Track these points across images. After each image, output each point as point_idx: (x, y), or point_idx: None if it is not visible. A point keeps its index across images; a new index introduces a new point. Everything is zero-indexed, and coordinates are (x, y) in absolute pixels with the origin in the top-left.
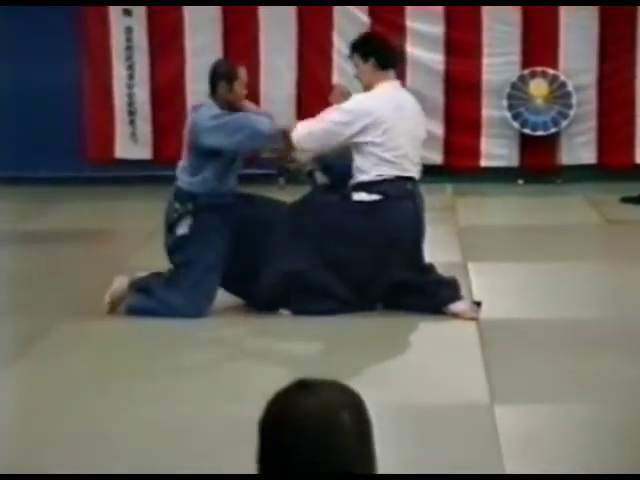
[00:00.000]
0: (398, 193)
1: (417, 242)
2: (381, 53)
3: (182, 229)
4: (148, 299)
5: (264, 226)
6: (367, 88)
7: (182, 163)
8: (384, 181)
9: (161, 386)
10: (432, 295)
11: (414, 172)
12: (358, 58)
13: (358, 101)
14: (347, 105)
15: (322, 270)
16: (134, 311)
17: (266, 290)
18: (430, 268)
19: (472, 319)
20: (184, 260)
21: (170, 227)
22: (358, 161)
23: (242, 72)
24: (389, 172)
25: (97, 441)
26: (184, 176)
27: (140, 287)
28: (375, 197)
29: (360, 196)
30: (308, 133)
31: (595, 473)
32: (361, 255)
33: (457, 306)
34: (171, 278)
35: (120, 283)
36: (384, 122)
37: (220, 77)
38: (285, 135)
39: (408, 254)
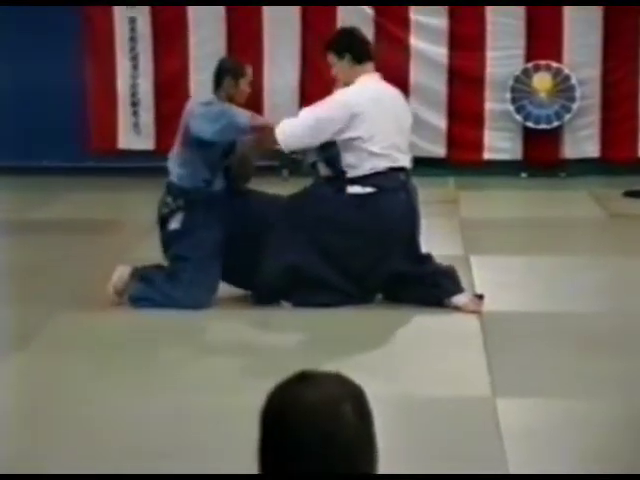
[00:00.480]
0: (392, 185)
1: (412, 233)
2: (355, 47)
3: (174, 224)
4: (149, 289)
5: (261, 219)
6: (347, 84)
7: (173, 153)
8: (377, 174)
9: (160, 378)
10: (432, 286)
11: (405, 161)
12: (333, 56)
13: (339, 96)
14: (329, 101)
15: (321, 262)
16: (136, 301)
17: (267, 283)
18: (428, 258)
19: (474, 312)
20: (179, 254)
21: (162, 221)
22: (349, 158)
23: (248, 70)
24: (381, 164)
25: (95, 439)
26: (173, 167)
27: (142, 276)
28: (369, 190)
29: (354, 189)
30: (292, 131)
31: (595, 467)
32: (358, 247)
33: (459, 299)
34: (171, 271)
35: (120, 273)
36: (367, 115)
37: (226, 72)
38: (268, 130)
39: (404, 245)
